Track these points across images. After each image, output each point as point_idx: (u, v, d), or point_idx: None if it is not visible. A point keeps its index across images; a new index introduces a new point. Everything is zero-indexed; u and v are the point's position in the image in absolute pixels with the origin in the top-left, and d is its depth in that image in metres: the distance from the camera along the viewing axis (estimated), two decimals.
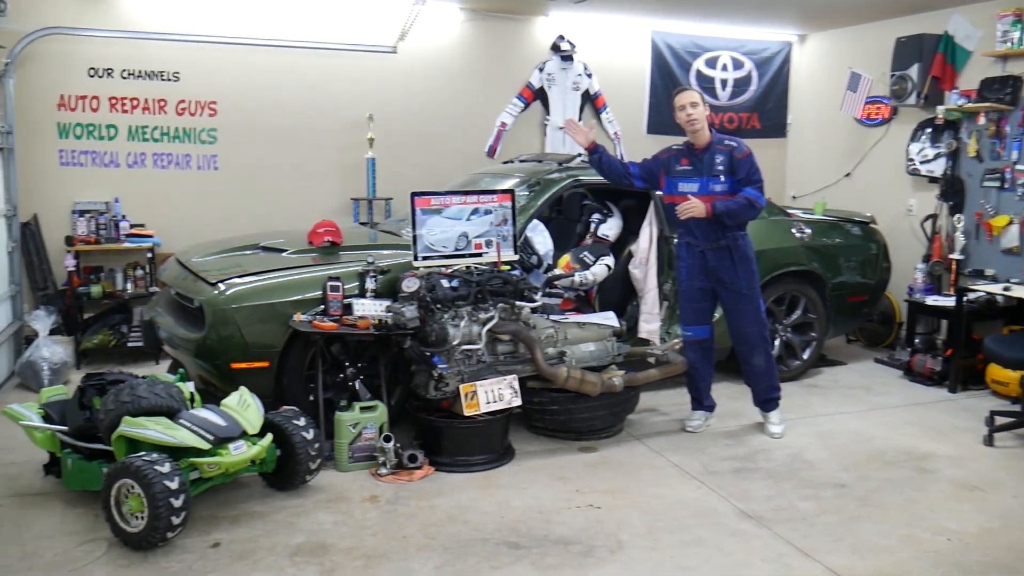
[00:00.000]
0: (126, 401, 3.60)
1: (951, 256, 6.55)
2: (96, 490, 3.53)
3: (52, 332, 5.78)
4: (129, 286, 6.25)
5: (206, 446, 3.55)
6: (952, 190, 6.62)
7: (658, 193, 5.58)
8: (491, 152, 7.52)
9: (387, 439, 4.20)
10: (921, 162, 6.88)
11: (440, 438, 4.36)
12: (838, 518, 3.85)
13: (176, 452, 3.52)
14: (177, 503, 3.28)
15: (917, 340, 6.42)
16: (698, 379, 5.02)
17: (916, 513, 3.92)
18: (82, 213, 6.21)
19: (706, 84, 8.12)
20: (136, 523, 3.34)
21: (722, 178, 4.66)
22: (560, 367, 4.56)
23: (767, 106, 8.43)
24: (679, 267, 4.97)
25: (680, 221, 4.77)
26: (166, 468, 3.31)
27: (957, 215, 6.55)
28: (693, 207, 4.60)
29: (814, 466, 4.49)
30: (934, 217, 6.78)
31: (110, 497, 3.39)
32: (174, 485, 3.29)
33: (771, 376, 4.96)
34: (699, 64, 8.11)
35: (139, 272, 6.25)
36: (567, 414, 4.69)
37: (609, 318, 5.03)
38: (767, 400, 4.98)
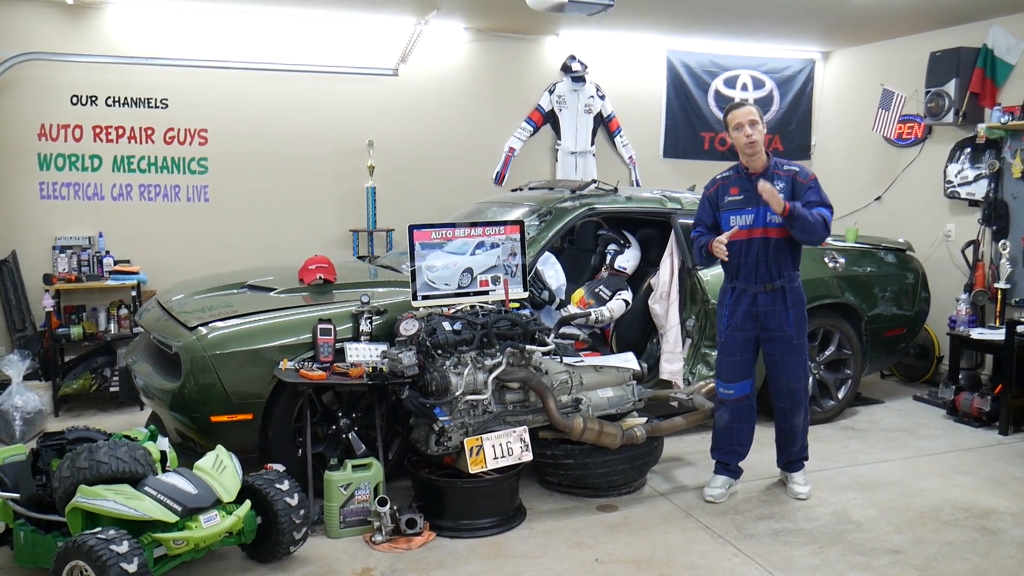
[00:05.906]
0: (83, 467, 3.17)
1: (996, 285, 6.08)
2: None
3: (28, 377, 5.38)
4: (113, 327, 5.84)
5: (173, 519, 3.12)
6: (995, 214, 6.17)
7: (680, 221, 5.17)
8: (499, 179, 7.13)
9: (382, 502, 3.75)
10: (960, 184, 6.43)
11: (442, 499, 3.90)
12: None
13: (140, 525, 3.11)
14: None
15: (961, 377, 5.93)
16: (734, 441, 4.36)
17: None
18: (63, 249, 5.86)
19: (725, 105, 7.69)
20: None
21: None
22: (576, 418, 4.10)
23: (790, 127, 8.02)
24: (720, 315, 4.34)
25: (725, 263, 4.20)
26: (123, 548, 2.89)
27: (1002, 241, 6.09)
28: (772, 195, 3.86)
29: (862, 527, 4.00)
30: (976, 243, 6.31)
31: None
32: (132, 568, 2.86)
33: (806, 435, 4.42)
34: (718, 84, 7.72)
35: (123, 311, 5.83)
36: (584, 468, 4.22)
37: (629, 360, 4.56)
38: (796, 461, 4.44)
